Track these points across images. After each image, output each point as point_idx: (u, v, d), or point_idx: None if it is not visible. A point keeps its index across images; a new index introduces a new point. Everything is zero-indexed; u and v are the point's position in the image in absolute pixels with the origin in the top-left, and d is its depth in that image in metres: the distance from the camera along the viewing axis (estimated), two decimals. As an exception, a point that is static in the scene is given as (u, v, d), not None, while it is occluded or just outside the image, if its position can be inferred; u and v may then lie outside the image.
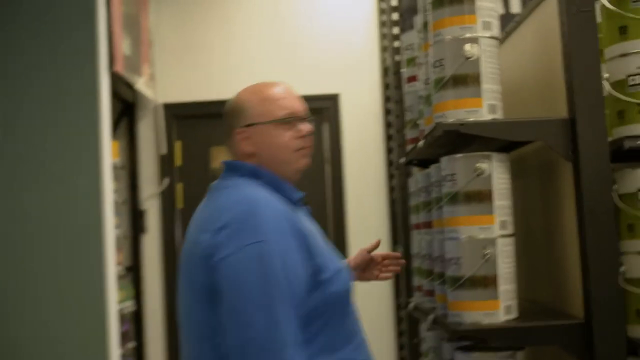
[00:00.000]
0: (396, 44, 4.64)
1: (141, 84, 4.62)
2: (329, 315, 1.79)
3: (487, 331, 1.89)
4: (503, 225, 1.96)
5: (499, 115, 1.99)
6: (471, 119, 1.94)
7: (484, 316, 1.92)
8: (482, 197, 1.95)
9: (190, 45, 5.20)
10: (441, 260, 2.19)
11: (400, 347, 4.92)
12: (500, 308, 1.92)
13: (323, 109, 5.24)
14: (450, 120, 1.95)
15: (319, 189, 5.24)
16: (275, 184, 1.91)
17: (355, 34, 5.19)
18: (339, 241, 5.04)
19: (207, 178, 5.15)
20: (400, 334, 4.93)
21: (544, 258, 2.22)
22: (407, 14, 4.55)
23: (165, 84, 5.13)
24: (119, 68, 4.00)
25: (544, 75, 2.17)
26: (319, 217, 5.18)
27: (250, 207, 1.78)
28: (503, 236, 1.95)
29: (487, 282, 1.93)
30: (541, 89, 2.20)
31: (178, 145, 5.20)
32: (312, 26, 5.21)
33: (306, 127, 1.97)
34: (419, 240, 2.60)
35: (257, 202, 1.80)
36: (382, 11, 5.10)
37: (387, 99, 5.05)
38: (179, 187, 5.16)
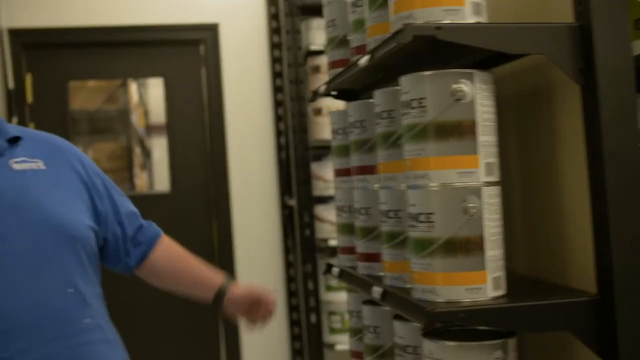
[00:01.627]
0: (287, -36, 4.04)
1: (-20, 4, 3.82)
2: None
3: (472, 312, 1.38)
4: (489, 169, 1.44)
5: (483, 19, 1.45)
6: (451, 21, 1.40)
7: (466, 292, 1.40)
8: (462, 131, 1.41)
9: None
10: (392, 215, 1.65)
11: (292, 308, 4.41)
12: (487, 281, 1.41)
13: (199, 41, 4.58)
14: (421, 21, 1.40)
15: (196, 135, 4.62)
16: None
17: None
18: (221, 193, 4.44)
19: (64, 119, 4.42)
20: (292, 293, 4.42)
21: (533, 217, 1.73)
22: None
23: (12, 5, 4.32)
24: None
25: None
26: (197, 168, 4.59)
27: None
28: (489, 184, 1.44)
29: (469, 247, 1.41)
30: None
31: (29, 79, 4.48)
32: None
33: None
34: (345, 190, 2.05)
35: None
36: None
37: (274, 31, 4.45)
38: (31, 128, 4.40)
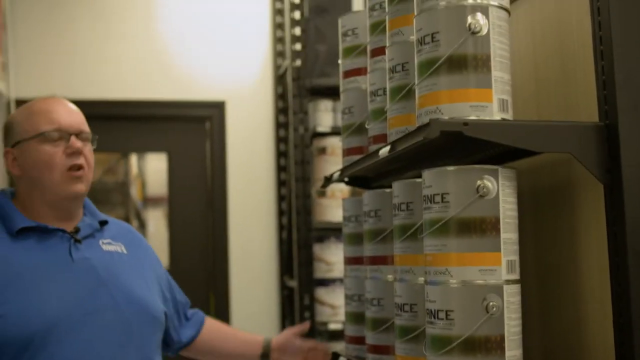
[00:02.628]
0: (297, 46, 4.08)
1: (-9, 73, 3.84)
2: None
3: (491, 417, 1.34)
4: (511, 266, 1.42)
5: (509, 116, 1.45)
6: (477, 117, 1.40)
7: (485, 394, 1.37)
8: (485, 227, 1.40)
9: (52, 35, 4.45)
10: (407, 309, 1.62)
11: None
12: (507, 383, 1.38)
13: (206, 118, 4.60)
14: (447, 117, 1.40)
15: (198, 210, 4.59)
16: (1, 212, 1.85)
17: (246, 33, 4.60)
18: (220, 269, 4.39)
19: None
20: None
21: (550, 315, 1.69)
22: (314, 12, 4.01)
23: (21, 76, 4.35)
24: (-36, 48, 3.23)
25: (558, 62, 1.65)
26: (198, 247, 4.55)
27: None
28: (510, 282, 1.41)
29: (489, 346, 1.38)
30: (552, 81, 1.67)
31: (33, 150, 4.40)
32: (195, 25, 4.58)
33: (75, 144, 1.85)
34: (356, 278, 2.02)
35: None
36: (277, 11, 4.53)
37: (281, 111, 4.47)
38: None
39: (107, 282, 1.85)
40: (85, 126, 1.93)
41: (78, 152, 1.86)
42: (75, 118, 1.91)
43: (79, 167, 1.87)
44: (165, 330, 2.05)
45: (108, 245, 1.95)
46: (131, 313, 1.86)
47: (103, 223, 1.99)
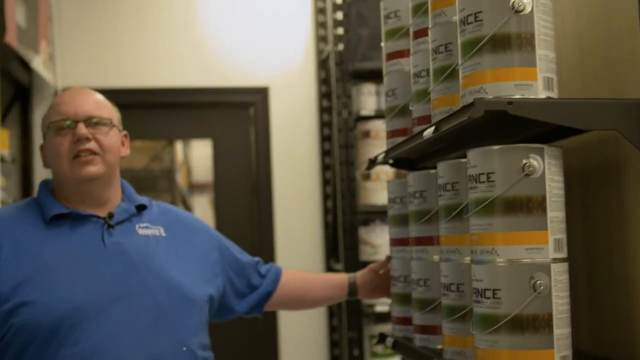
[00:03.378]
0: (339, 31, 4.08)
1: (38, 64, 3.91)
2: (16, 350, 1.73)
3: (540, 395, 1.34)
4: (558, 245, 1.42)
5: (554, 94, 1.45)
6: (522, 96, 1.40)
7: (533, 372, 1.37)
8: (531, 206, 1.40)
9: (97, 25, 4.50)
10: (454, 289, 1.63)
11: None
12: (555, 360, 1.38)
13: (249, 104, 4.63)
14: (492, 96, 1.40)
15: (243, 195, 4.63)
16: (39, 201, 1.92)
17: (288, 19, 4.62)
18: (266, 253, 4.43)
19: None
20: (335, 359, 4.36)
21: (599, 294, 1.69)
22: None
23: (68, 66, 4.42)
24: (11, 39, 3.30)
25: (604, 38, 1.63)
26: (244, 232, 4.59)
27: None
28: (557, 260, 1.41)
29: (537, 324, 1.38)
30: (598, 58, 1.66)
31: (81, 139, 4.48)
32: (238, 12, 4.61)
33: (79, 130, 1.87)
34: (401, 260, 2.03)
35: None
36: (319, -4, 4.54)
37: (324, 95, 4.48)
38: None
39: (141, 267, 1.88)
40: (98, 112, 1.93)
41: (84, 138, 1.87)
42: (85, 106, 1.92)
43: (88, 152, 1.88)
44: (230, 300, 2.11)
45: (145, 229, 1.97)
46: (165, 297, 1.87)
47: (142, 207, 2.02)
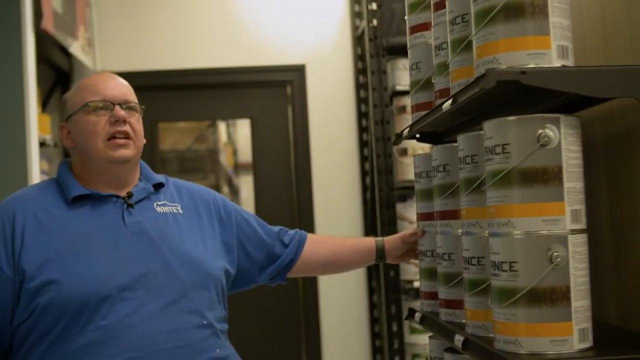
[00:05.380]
0: (373, 6, 4.05)
1: (77, 49, 3.96)
2: (44, 328, 1.78)
3: (557, 366, 1.33)
4: (576, 216, 1.39)
5: (570, 62, 1.42)
6: (535, 65, 1.37)
7: (550, 344, 1.35)
8: (547, 177, 1.37)
9: (134, 9, 4.55)
10: (475, 262, 1.62)
11: (376, 350, 4.36)
12: (573, 333, 1.36)
13: (286, 82, 4.63)
14: (505, 66, 1.38)
15: (282, 174, 4.65)
16: (60, 181, 1.96)
17: (323, -3, 4.60)
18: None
19: (154, 158, 4.51)
20: (375, 335, 4.37)
21: (624, 266, 1.66)
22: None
23: (106, 50, 4.48)
24: (48, 25, 3.34)
25: (625, 4, 1.59)
26: (284, 211, 4.61)
27: None
28: (575, 232, 1.39)
29: (554, 297, 1.36)
30: (619, 24, 1.62)
31: (121, 121, 4.54)
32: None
33: (118, 112, 1.91)
34: (428, 234, 2.02)
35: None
36: (354, -28, 4.50)
37: (361, 71, 4.46)
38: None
39: (159, 244, 1.91)
40: (131, 97, 1.97)
41: (122, 120, 1.91)
42: (120, 89, 1.96)
43: (123, 135, 1.92)
44: (249, 271, 2.15)
45: (162, 207, 2.00)
46: (184, 273, 1.90)
47: (159, 186, 2.05)
